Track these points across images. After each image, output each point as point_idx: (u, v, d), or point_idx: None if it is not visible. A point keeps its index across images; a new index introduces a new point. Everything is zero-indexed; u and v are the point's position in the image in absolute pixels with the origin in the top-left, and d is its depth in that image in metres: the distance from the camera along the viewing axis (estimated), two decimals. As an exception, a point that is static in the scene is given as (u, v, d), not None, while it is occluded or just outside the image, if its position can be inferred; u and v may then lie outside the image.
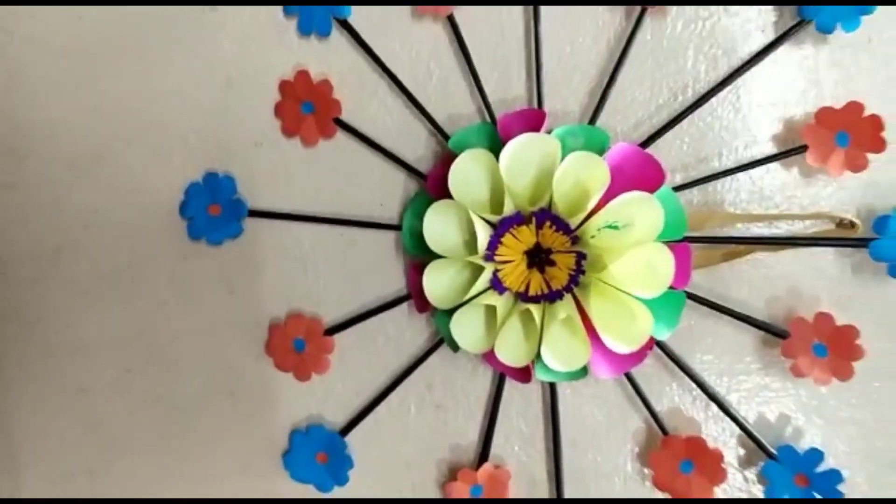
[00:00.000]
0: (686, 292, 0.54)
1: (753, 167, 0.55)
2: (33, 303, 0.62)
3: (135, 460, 0.62)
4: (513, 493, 0.59)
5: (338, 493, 0.60)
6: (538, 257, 0.53)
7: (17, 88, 0.60)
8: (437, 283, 0.54)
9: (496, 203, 0.53)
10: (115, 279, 0.61)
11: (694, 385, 0.56)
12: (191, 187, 0.60)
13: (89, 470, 0.63)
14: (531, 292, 0.54)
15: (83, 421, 0.63)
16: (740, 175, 0.56)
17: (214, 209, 0.60)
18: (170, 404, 0.62)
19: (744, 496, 0.57)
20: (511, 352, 0.53)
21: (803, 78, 0.55)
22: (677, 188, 0.56)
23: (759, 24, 0.55)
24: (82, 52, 0.60)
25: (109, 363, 0.62)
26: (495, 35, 0.57)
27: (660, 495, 0.57)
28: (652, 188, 0.52)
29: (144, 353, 0.62)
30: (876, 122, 0.52)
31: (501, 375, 0.58)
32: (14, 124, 0.60)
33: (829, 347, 0.54)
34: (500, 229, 0.53)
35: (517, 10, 0.57)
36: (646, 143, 0.55)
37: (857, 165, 0.53)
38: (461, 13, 0.56)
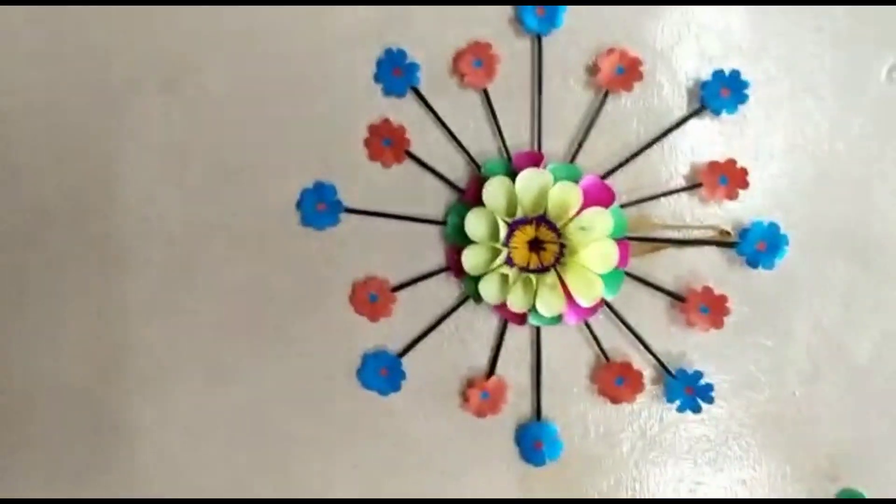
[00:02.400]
0: (625, 271, 0.87)
1: (671, 194, 0.88)
2: (192, 256, 0.92)
3: (258, 363, 0.93)
4: (508, 397, 0.91)
5: (392, 399, 0.91)
6: (536, 245, 0.86)
7: (195, 125, 0.90)
8: (471, 259, 0.86)
9: (510, 210, 0.85)
10: (254, 250, 0.91)
11: (627, 330, 0.89)
12: (305, 191, 0.91)
13: (224, 372, 0.93)
14: (531, 266, 0.86)
15: (197, 339, 0.93)
16: (662, 199, 0.88)
17: (321, 206, 0.90)
18: (278, 332, 0.93)
19: (653, 401, 0.90)
20: (517, 303, 0.85)
21: (703, 140, 0.88)
22: (624, 205, 0.88)
23: (678, 103, 0.87)
24: (243, 101, 0.90)
25: (246, 300, 0.92)
26: (512, 102, 0.88)
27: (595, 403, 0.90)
28: (606, 205, 0.85)
29: (268, 296, 0.92)
30: (743, 171, 0.86)
31: (505, 321, 0.90)
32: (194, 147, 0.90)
33: (710, 308, 0.87)
34: (512, 227, 0.85)
35: (526, 88, 0.88)
36: (605, 176, 0.88)
37: (732, 196, 0.86)
38: (491, 88, 0.87)
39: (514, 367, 0.92)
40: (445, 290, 0.91)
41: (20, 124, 0.91)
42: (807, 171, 0.88)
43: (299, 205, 0.91)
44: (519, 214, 0.85)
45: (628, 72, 0.86)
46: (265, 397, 0.94)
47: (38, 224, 0.92)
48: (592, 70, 0.87)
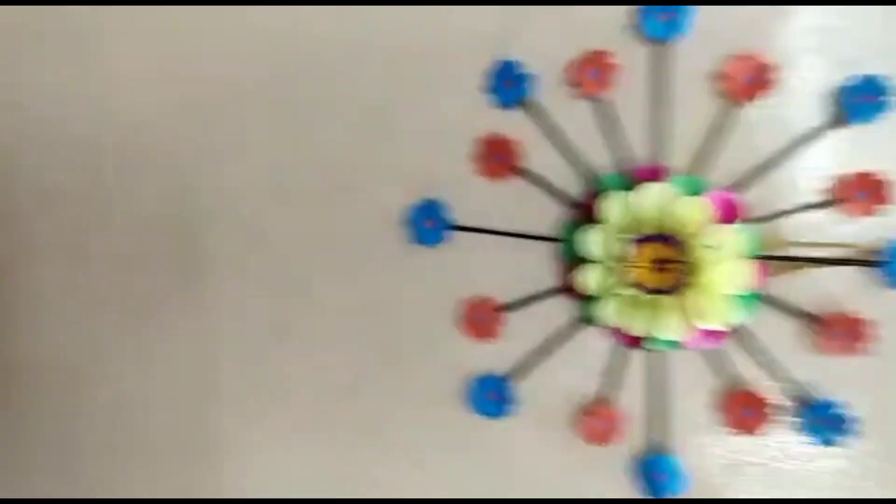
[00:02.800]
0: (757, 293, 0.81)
1: (806, 210, 0.82)
2: (302, 273, 0.90)
3: (365, 387, 0.90)
4: (625, 426, 0.86)
5: (501, 424, 0.87)
6: (659, 265, 0.80)
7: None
8: (588, 278, 0.81)
9: (631, 227, 0.80)
10: (362, 268, 0.89)
11: (755, 356, 0.83)
12: (413, 208, 0.88)
13: (331, 390, 0.91)
14: (652, 287, 0.81)
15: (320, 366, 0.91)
16: (796, 215, 0.82)
17: (429, 223, 0.87)
18: (387, 354, 0.90)
19: (783, 432, 0.83)
20: (637, 326, 0.80)
21: (840, 152, 0.81)
22: (755, 222, 0.82)
23: (812, 112, 0.81)
24: (351, 116, 0.88)
25: (354, 319, 0.90)
26: (631, 113, 0.84)
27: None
28: (734, 221, 0.79)
29: (375, 315, 0.89)
30: (883, 185, 0.79)
31: (621, 345, 0.85)
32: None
33: (848, 333, 0.80)
34: (633, 245, 0.80)
35: (646, 98, 0.83)
36: (733, 190, 0.82)
37: (871, 212, 0.79)
38: (608, 98, 0.83)
39: (630, 393, 0.87)
40: (557, 310, 0.87)
41: (134, 141, 0.91)
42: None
43: (407, 222, 0.88)
44: (641, 231, 0.80)
45: (759, 79, 0.80)
46: (371, 417, 0.91)
47: (149, 242, 0.92)
48: (720, 78, 0.82)
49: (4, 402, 0.92)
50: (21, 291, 0.91)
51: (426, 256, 0.88)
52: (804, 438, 0.83)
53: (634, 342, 0.83)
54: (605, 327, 0.83)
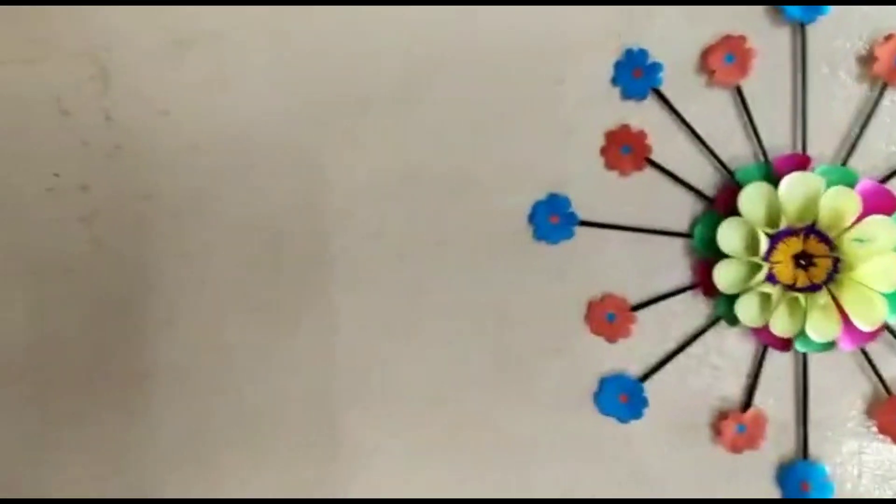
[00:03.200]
0: (913, 290, 0.74)
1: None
2: (422, 273, 0.90)
3: (491, 387, 0.89)
4: (768, 432, 0.81)
5: (632, 428, 0.84)
6: (804, 260, 0.75)
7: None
8: (725, 275, 0.77)
9: (772, 220, 0.75)
10: (485, 267, 0.88)
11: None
12: (537, 203, 0.86)
13: (450, 392, 0.91)
14: (798, 285, 0.76)
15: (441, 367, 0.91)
16: (959, 205, 0.75)
17: (554, 219, 0.86)
18: (511, 355, 0.89)
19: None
20: (782, 326, 0.76)
21: None
22: (909, 214, 0.76)
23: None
24: (472, 109, 0.88)
25: (476, 319, 0.89)
26: (769, 101, 0.79)
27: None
28: (888, 212, 0.73)
29: (499, 315, 0.89)
30: None
31: (764, 346, 0.80)
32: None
33: None
34: (774, 239, 0.76)
35: (786, 85, 0.78)
36: (885, 180, 0.76)
37: None
38: (745, 85, 0.79)
39: (774, 397, 0.82)
40: (692, 309, 0.83)
41: (253, 142, 0.94)
42: None
43: (532, 218, 0.87)
44: (783, 225, 0.75)
45: (914, 59, 0.74)
46: (492, 418, 0.90)
47: (272, 244, 0.94)
48: (867, 60, 0.76)
49: (143, 406, 0.97)
50: (155, 295, 0.95)
51: (552, 253, 0.86)
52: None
53: (781, 343, 0.78)
54: (746, 327, 0.79)
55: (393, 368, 0.92)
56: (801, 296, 0.75)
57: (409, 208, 0.91)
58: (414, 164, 0.90)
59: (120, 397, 0.97)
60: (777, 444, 0.82)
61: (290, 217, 0.94)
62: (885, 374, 0.78)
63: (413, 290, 0.91)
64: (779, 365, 0.81)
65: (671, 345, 0.84)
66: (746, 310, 0.77)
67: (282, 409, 0.95)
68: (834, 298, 0.74)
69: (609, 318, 0.85)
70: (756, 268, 0.76)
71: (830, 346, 0.76)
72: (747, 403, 0.81)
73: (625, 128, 0.83)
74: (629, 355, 0.85)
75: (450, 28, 0.88)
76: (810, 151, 0.78)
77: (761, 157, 0.79)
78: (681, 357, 0.83)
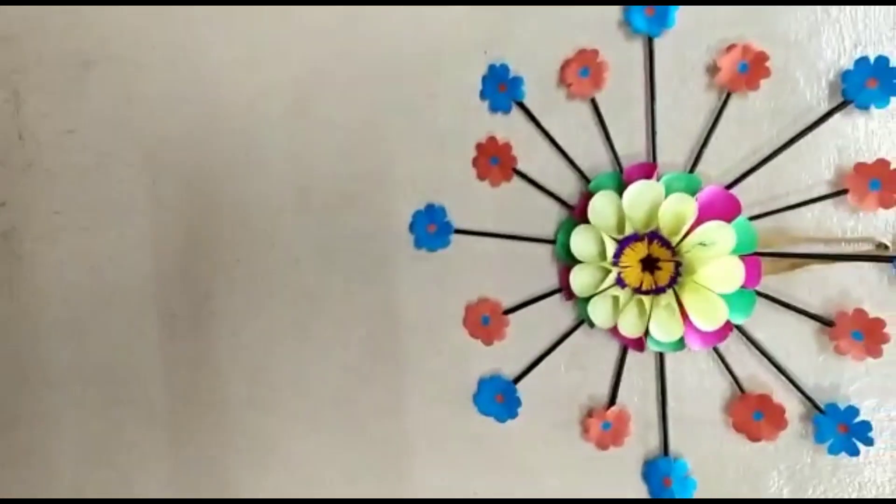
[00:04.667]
0: (758, 291, 0.77)
1: (814, 203, 0.77)
2: (316, 281, 0.95)
3: (380, 389, 0.93)
4: (632, 429, 0.84)
5: (510, 427, 0.88)
6: (649, 264, 0.79)
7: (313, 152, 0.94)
8: (579, 280, 0.81)
9: (620, 227, 0.79)
10: (372, 275, 0.93)
11: (765, 358, 0.79)
12: (416, 213, 0.90)
13: (343, 393, 0.95)
14: (644, 287, 0.79)
15: (335, 368, 0.95)
16: (804, 209, 0.77)
17: (432, 227, 0.89)
18: (397, 357, 0.93)
19: (800, 440, 0.79)
20: (628, 327, 0.79)
21: (850, 140, 0.76)
22: (757, 217, 0.78)
23: (817, 100, 0.76)
24: (356, 126, 0.92)
25: (357, 322, 0.93)
26: (624, 111, 0.82)
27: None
28: (731, 218, 0.76)
29: (381, 316, 0.93)
30: (897, 173, 0.73)
31: (624, 346, 0.84)
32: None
33: (865, 334, 0.75)
34: (622, 244, 0.79)
35: (639, 93, 0.81)
36: (733, 185, 0.79)
37: (887, 203, 0.74)
38: (600, 97, 0.82)
39: (638, 396, 0.85)
40: (561, 312, 0.87)
41: (155, 158, 0.99)
42: None
43: (412, 227, 0.91)
44: (629, 231, 0.78)
45: (753, 68, 0.77)
46: (382, 419, 0.95)
47: (177, 254, 0.99)
48: (712, 70, 0.79)
49: (208, 403, 1.02)
50: (68, 308, 1.01)
51: (431, 260, 0.90)
52: (819, 446, 0.78)
53: (636, 343, 0.81)
54: (606, 328, 0.82)
55: (288, 371, 0.97)
56: (645, 298, 0.78)
57: (301, 219, 0.95)
58: (304, 177, 0.95)
59: None
60: (642, 440, 0.85)
61: (192, 228, 0.98)
62: (741, 373, 0.80)
63: (307, 295, 0.96)
64: (643, 364, 0.84)
65: (542, 346, 0.87)
66: (599, 312, 0.80)
67: (184, 410, 1.00)
68: (679, 300, 0.77)
69: (484, 321, 0.88)
70: (606, 272, 0.79)
71: (680, 345, 0.79)
72: (612, 401, 0.85)
73: (492, 140, 0.86)
74: (504, 357, 0.89)
75: (334, 42, 0.92)
76: (662, 159, 0.81)
77: (617, 167, 0.82)
78: (550, 358, 0.87)
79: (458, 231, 0.89)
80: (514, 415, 0.88)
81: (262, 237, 0.97)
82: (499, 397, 0.88)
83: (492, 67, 0.86)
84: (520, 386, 0.88)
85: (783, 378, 0.79)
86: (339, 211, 0.94)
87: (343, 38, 0.92)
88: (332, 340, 0.95)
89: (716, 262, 0.75)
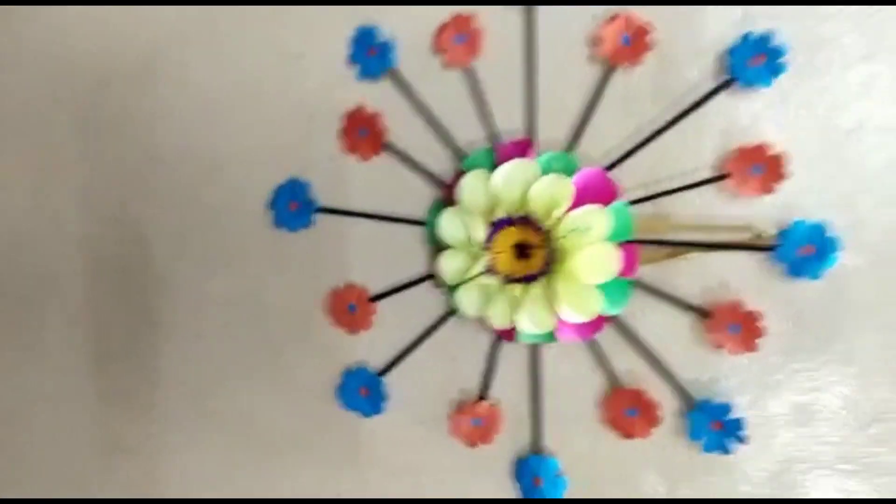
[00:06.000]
0: (635, 280, 0.72)
1: (695, 188, 0.73)
2: (168, 262, 0.86)
3: (237, 382, 0.85)
4: (503, 427, 0.79)
5: (375, 422, 0.81)
6: (521, 250, 0.73)
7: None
8: (448, 267, 0.74)
9: (490, 209, 0.72)
10: (228, 255, 0.84)
11: (642, 350, 0.75)
12: (278, 188, 0.82)
13: (200, 389, 0.87)
14: (516, 275, 0.73)
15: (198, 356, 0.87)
16: (684, 193, 0.73)
17: (293, 205, 0.81)
18: (255, 347, 0.85)
19: (675, 437, 0.75)
20: (498, 317, 0.73)
21: (735, 122, 0.71)
22: (636, 201, 0.73)
23: (702, 77, 0.72)
24: (214, 91, 0.83)
25: (220, 309, 0.85)
26: (503, 83, 0.76)
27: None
28: (608, 201, 0.71)
29: (242, 305, 0.85)
30: (780, 159, 0.69)
31: (497, 337, 0.78)
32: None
33: (741, 327, 0.71)
34: (493, 229, 0.73)
35: (518, 63, 0.75)
36: (613, 166, 0.74)
37: (768, 189, 0.70)
38: (479, 64, 0.75)
39: (511, 389, 0.79)
40: (432, 299, 0.80)
41: None
42: (867, 157, 0.69)
43: (272, 204, 0.82)
44: (500, 214, 0.72)
45: (636, 41, 0.71)
46: (247, 413, 0.87)
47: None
48: (594, 42, 0.73)
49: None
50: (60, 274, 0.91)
51: (292, 242, 0.83)
52: (694, 443, 0.74)
53: (508, 334, 0.76)
54: (475, 319, 0.76)
55: (136, 363, 0.88)
56: (517, 286, 0.72)
57: (152, 193, 0.86)
58: (155, 147, 0.85)
59: None
60: (513, 437, 0.79)
61: (27, 204, 0.88)
62: (618, 367, 0.76)
63: (157, 280, 0.87)
64: (515, 356, 0.79)
65: (411, 336, 0.81)
66: (468, 301, 0.74)
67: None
68: (547, 289, 0.72)
69: (350, 308, 0.81)
70: (474, 258, 0.73)
71: (552, 336, 0.74)
72: (482, 395, 0.79)
73: (361, 109, 0.79)
74: (371, 347, 0.82)
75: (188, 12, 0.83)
76: (543, 136, 0.75)
77: (494, 143, 0.76)
78: (420, 349, 0.81)
79: (323, 209, 0.81)
80: (379, 410, 0.81)
81: (107, 212, 0.86)
82: (363, 391, 0.81)
83: (361, 30, 0.78)
84: (386, 379, 0.81)
85: (659, 372, 0.74)
86: (192, 186, 0.84)
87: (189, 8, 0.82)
88: (183, 328, 0.86)
89: (590, 249, 0.70)
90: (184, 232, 0.85)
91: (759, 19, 0.70)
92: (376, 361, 0.82)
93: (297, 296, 0.83)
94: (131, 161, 0.86)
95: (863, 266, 0.70)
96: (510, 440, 0.79)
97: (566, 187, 0.70)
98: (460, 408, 0.79)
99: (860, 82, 0.69)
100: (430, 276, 0.79)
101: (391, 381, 0.81)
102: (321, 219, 0.81)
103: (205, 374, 0.87)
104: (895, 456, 0.70)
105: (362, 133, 0.79)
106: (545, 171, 0.71)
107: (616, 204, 0.71)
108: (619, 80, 0.73)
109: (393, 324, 0.81)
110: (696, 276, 0.73)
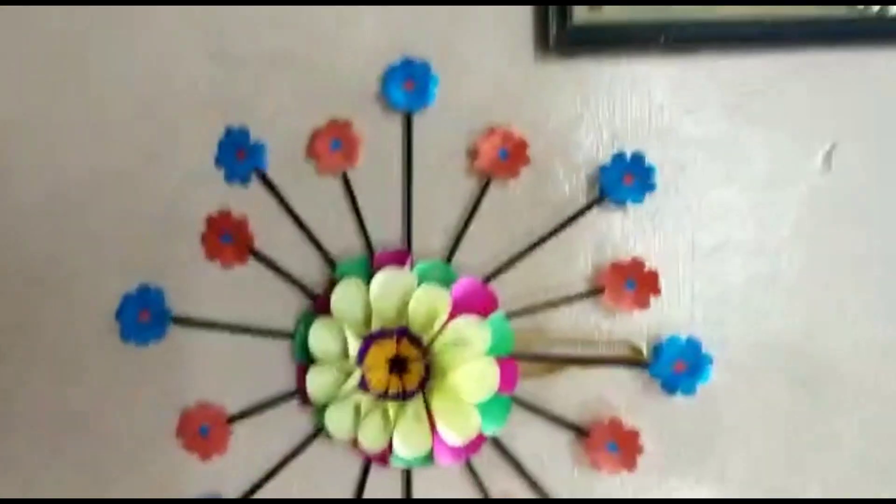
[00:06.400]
0: (514, 397, 0.70)
1: (572, 301, 0.72)
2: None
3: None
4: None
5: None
6: (398, 365, 0.69)
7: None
8: (317, 383, 0.69)
9: (367, 321, 0.68)
10: (66, 370, 0.74)
11: (520, 472, 0.71)
12: (126, 297, 0.74)
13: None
14: (390, 392, 0.68)
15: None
16: (562, 307, 0.72)
17: (145, 315, 0.74)
18: (90, 475, 0.74)
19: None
20: (370, 440, 0.68)
21: (609, 237, 0.72)
22: (513, 314, 0.72)
23: (578, 193, 0.72)
24: (56, 184, 0.75)
25: (55, 430, 0.74)
26: (379, 192, 0.73)
27: None
28: (487, 313, 0.68)
29: (81, 428, 0.74)
30: (653, 274, 0.70)
31: (367, 461, 0.72)
32: None
33: (619, 445, 0.69)
34: (368, 341, 0.68)
35: (397, 173, 0.73)
36: (489, 278, 0.72)
37: (642, 304, 0.70)
38: (353, 174, 0.73)
39: (381, 518, 0.73)
40: (295, 420, 0.74)
41: None
42: (731, 276, 0.72)
43: (119, 314, 0.74)
44: (376, 326, 0.68)
45: (513, 155, 0.72)
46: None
47: None
48: (472, 154, 0.73)
49: None
50: None
51: (142, 355, 0.74)
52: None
53: (379, 457, 0.70)
54: (346, 440, 0.70)
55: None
56: (391, 404, 0.68)
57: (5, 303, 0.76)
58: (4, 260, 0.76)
59: None
60: (387, 572, 0.72)
61: None
62: (494, 489, 0.72)
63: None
64: (387, 480, 0.73)
65: (272, 461, 0.73)
66: (338, 421, 0.69)
67: None
68: (424, 407, 0.68)
69: (202, 431, 0.73)
70: (350, 374, 0.68)
71: (428, 460, 0.69)
72: (350, 528, 0.72)
73: (226, 214, 0.74)
74: (225, 473, 0.74)
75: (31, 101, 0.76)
76: (418, 246, 0.72)
77: (368, 252, 0.73)
78: (280, 476, 0.73)
79: (178, 320, 0.74)
80: (234, 547, 0.72)
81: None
82: (217, 525, 0.72)
83: (228, 130, 0.74)
84: (243, 510, 0.73)
85: (537, 493, 0.71)
86: (37, 294, 0.75)
87: (56, 74, 0.75)
88: (26, 445, 0.75)
89: (469, 364, 0.67)
90: (26, 345, 0.75)
91: (627, 142, 0.72)
92: (231, 490, 0.74)
93: (142, 417, 0.74)
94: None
95: (731, 382, 0.71)
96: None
97: (444, 298, 0.67)
98: (326, 541, 0.72)
99: (720, 204, 0.72)
100: (295, 393, 0.73)
101: (248, 512, 0.73)
102: (175, 330, 0.74)
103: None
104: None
105: (226, 239, 0.73)
106: (421, 281, 0.68)
107: (494, 316, 0.69)
108: (496, 191, 0.73)
109: (252, 447, 0.74)
110: (573, 391, 0.72)
